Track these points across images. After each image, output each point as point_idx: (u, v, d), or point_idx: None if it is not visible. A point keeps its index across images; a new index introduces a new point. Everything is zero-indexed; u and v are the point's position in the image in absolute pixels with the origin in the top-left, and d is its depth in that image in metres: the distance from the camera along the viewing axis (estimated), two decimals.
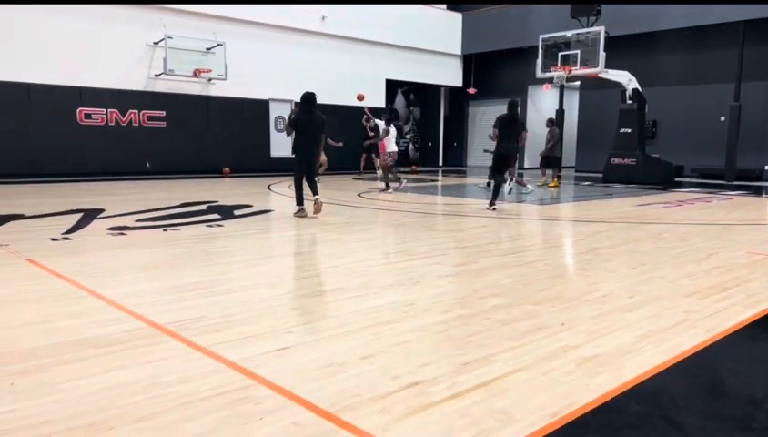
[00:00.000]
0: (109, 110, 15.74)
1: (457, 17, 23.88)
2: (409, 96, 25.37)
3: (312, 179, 8.67)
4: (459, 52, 24.20)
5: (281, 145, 19.49)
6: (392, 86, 23.20)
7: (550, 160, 14.70)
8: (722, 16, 16.96)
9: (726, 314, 3.84)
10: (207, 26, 16.89)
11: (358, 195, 12.35)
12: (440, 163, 25.34)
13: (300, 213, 8.61)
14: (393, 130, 13.36)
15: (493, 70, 24.31)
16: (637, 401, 2.54)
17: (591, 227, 8.13)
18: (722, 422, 2.37)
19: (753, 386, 2.76)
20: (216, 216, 8.66)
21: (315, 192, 8.54)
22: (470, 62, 24.63)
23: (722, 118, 17.90)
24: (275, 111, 19.21)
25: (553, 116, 17.30)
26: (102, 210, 8.97)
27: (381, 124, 13.73)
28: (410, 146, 25.58)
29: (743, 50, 16.75)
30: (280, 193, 12.85)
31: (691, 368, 2.96)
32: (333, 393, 2.56)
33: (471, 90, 24.54)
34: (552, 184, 14.60)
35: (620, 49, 17.86)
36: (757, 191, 14.40)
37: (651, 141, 19.16)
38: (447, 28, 23.64)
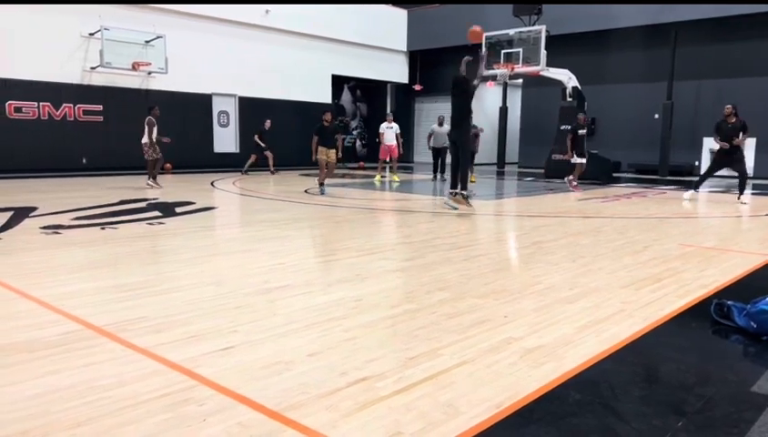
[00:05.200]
0: (42, 103, 15.07)
1: (402, 14, 23.98)
2: (356, 92, 25.33)
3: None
4: (404, 48, 24.34)
5: (224, 140, 19.14)
6: (338, 82, 23.11)
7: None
8: (655, 18, 17.68)
9: (660, 304, 4.00)
10: (146, 18, 16.36)
11: (305, 191, 12.25)
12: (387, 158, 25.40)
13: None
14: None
15: (438, 67, 24.53)
16: (578, 390, 2.62)
17: (533, 221, 8.32)
18: (657, 407, 2.47)
19: (686, 372, 2.88)
20: (156, 213, 8.42)
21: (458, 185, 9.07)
22: (416, 58, 24.80)
23: (656, 116, 18.66)
24: (218, 106, 18.83)
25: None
26: (34, 208, 8.58)
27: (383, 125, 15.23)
28: (357, 142, 25.58)
29: (675, 50, 17.52)
30: (224, 189, 12.60)
31: (628, 356, 3.07)
32: (279, 392, 2.53)
33: (417, 86, 24.71)
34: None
35: (561, 48, 18.33)
36: (689, 186, 15.05)
37: (591, 138, 19.72)
38: (392, 25, 23.73)
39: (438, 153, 15.48)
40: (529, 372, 2.78)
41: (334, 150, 11.46)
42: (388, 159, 15.82)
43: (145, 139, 12.33)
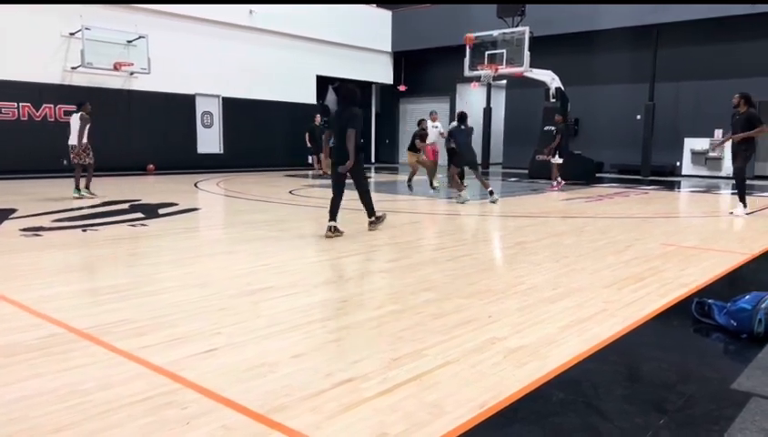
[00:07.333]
0: (21, 104, 14.85)
1: (387, 15, 23.99)
2: (340, 93, 25.28)
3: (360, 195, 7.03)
4: (389, 49, 24.34)
5: (208, 141, 19.00)
6: (323, 83, 23.06)
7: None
8: (637, 20, 17.87)
9: (642, 303, 4.04)
10: (129, 18, 16.20)
11: (290, 192, 12.22)
12: (372, 160, 25.43)
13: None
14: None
15: (423, 68, 24.60)
16: (561, 389, 2.64)
17: (517, 221, 8.37)
18: (639, 406, 2.49)
19: (667, 370, 2.92)
20: (139, 215, 8.34)
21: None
22: (401, 59, 24.84)
23: (638, 117, 18.86)
24: (201, 106, 18.69)
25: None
26: (14, 210, 8.46)
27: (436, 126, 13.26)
28: None
29: (657, 52, 17.72)
30: (208, 190, 12.52)
31: (610, 355, 3.10)
32: (263, 394, 2.52)
33: (402, 87, 24.74)
34: None
35: (545, 49, 18.44)
36: (670, 186, 15.26)
37: (574, 138, 19.92)
38: (377, 25, 23.72)
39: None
40: (513, 372, 2.80)
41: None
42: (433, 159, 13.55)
43: (75, 141, 10.58)
